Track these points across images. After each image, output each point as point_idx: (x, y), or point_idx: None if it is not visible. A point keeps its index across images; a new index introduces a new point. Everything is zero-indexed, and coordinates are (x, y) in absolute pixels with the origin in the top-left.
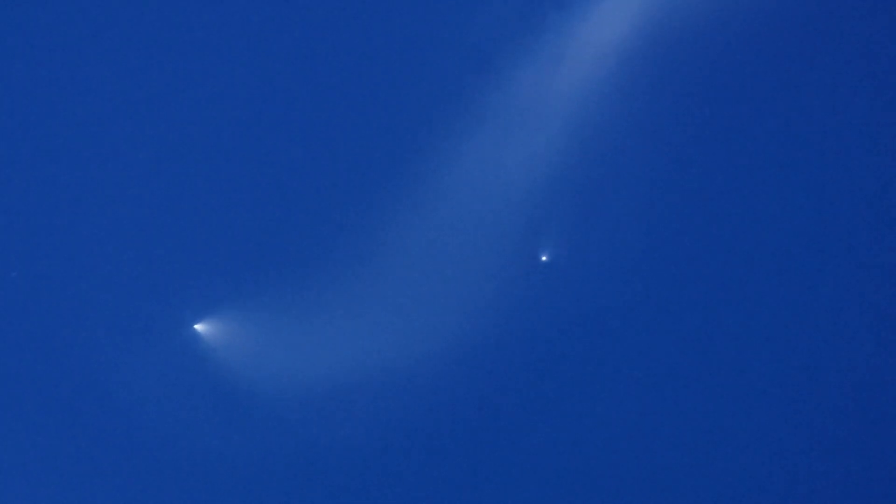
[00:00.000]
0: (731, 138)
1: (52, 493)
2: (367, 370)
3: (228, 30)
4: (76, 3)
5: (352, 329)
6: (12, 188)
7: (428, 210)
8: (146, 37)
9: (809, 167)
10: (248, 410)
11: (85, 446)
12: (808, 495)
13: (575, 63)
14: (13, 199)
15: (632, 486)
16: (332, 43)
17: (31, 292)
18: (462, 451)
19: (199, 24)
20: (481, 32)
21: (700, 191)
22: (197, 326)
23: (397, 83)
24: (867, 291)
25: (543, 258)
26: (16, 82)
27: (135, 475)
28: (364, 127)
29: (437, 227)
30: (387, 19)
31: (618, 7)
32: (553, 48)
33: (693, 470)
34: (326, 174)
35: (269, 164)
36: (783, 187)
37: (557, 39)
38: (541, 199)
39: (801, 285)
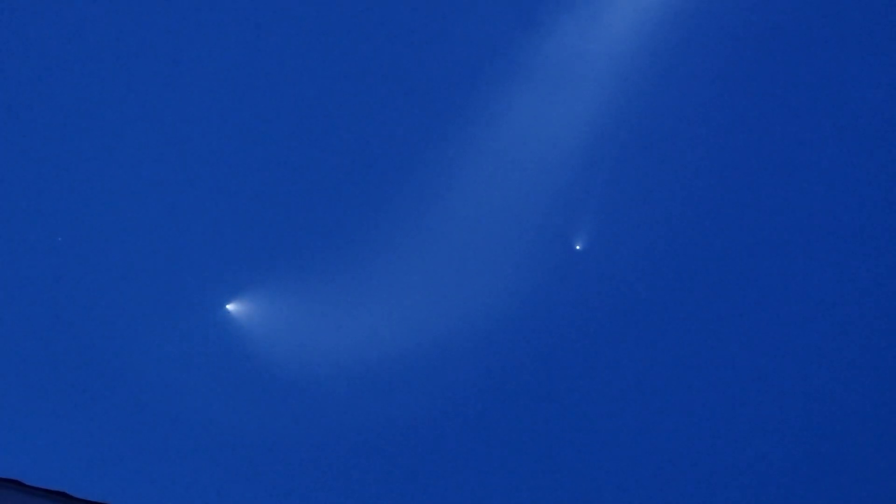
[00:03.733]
0: (793, 110)
1: (84, 471)
2: (398, 353)
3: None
4: (77, 2)
5: (383, 312)
6: (44, 172)
7: (461, 190)
8: (174, 21)
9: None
10: (282, 391)
11: (116, 428)
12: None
13: (619, 19)
14: (48, 181)
15: (670, 482)
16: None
17: (63, 274)
18: (490, 437)
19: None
20: None
21: (752, 171)
22: (229, 307)
23: (429, 40)
24: None
25: (577, 247)
26: (51, 66)
27: (167, 454)
28: (396, 92)
29: (469, 210)
30: None
31: None
32: (596, 4)
33: (733, 465)
34: (358, 148)
35: (300, 138)
36: (844, 169)
37: None
38: (576, 177)
39: (846, 278)
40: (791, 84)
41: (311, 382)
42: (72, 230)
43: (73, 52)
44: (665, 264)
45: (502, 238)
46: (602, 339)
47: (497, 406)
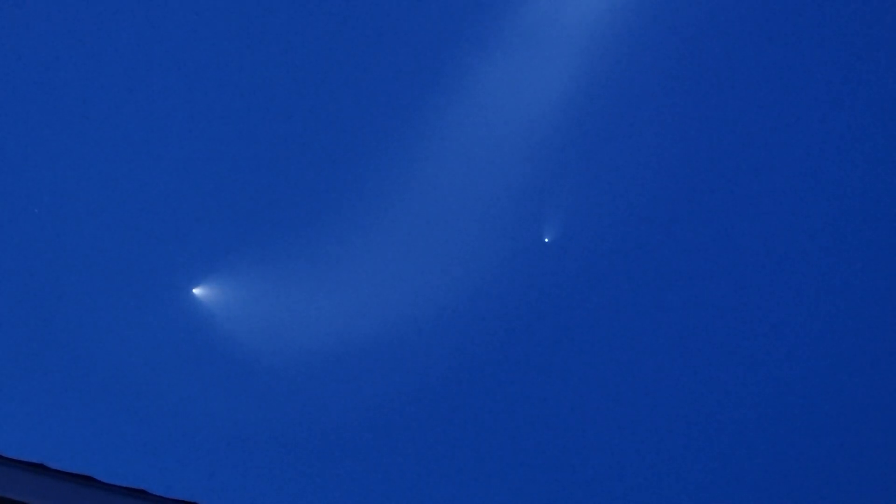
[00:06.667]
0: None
1: (59, 453)
2: (367, 339)
3: None
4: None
5: (351, 299)
6: (22, 162)
7: (433, 176)
8: (161, 20)
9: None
10: (248, 372)
11: (86, 412)
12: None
13: None
14: (24, 170)
15: (636, 463)
16: None
17: (34, 262)
18: (459, 422)
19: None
20: None
21: (729, 148)
22: (195, 290)
23: (398, 15)
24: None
25: (546, 240)
26: (27, 62)
27: (135, 435)
28: (366, 77)
29: (441, 197)
30: None
31: None
32: None
33: (684, 452)
34: (328, 135)
35: (267, 126)
36: (813, 164)
37: None
38: (548, 161)
39: (803, 279)
40: (773, 55)
41: (277, 365)
42: (39, 219)
43: (45, 44)
44: (633, 255)
45: (473, 226)
46: (570, 328)
47: (465, 391)
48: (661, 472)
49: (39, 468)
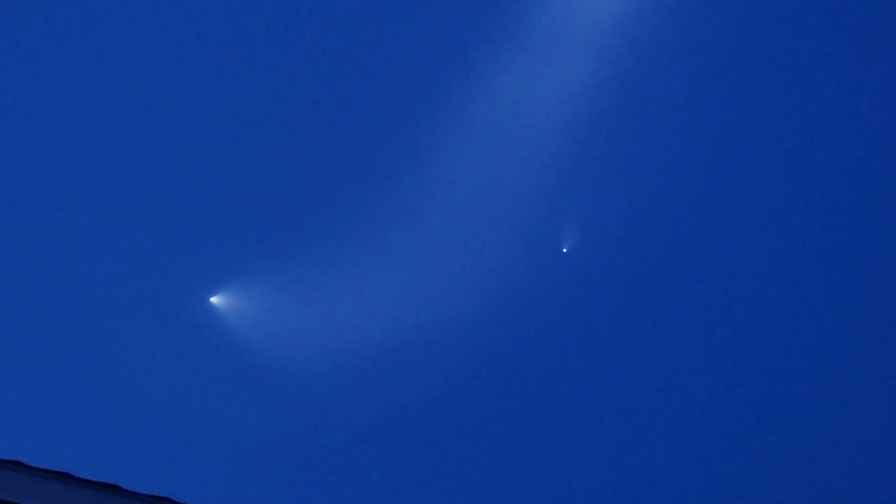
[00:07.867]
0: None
1: (84, 462)
2: (382, 345)
3: None
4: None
5: (368, 305)
6: (29, 169)
7: (449, 180)
8: (164, 22)
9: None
10: (272, 382)
11: (112, 422)
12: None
13: None
14: (34, 177)
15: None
16: None
17: (49, 271)
18: (471, 427)
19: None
20: None
21: (750, 154)
22: (213, 299)
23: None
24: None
25: (564, 250)
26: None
27: (160, 443)
28: (382, 82)
29: (458, 204)
30: None
31: None
32: None
33: (699, 456)
34: (342, 142)
35: (282, 133)
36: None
37: None
38: (565, 170)
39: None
40: (796, 61)
41: (300, 375)
42: (57, 230)
43: (55, 48)
44: (651, 265)
45: (491, 235)
46: (587, 337)
47: (480, 399)
48: (675, 478)
49: (66, 477)
